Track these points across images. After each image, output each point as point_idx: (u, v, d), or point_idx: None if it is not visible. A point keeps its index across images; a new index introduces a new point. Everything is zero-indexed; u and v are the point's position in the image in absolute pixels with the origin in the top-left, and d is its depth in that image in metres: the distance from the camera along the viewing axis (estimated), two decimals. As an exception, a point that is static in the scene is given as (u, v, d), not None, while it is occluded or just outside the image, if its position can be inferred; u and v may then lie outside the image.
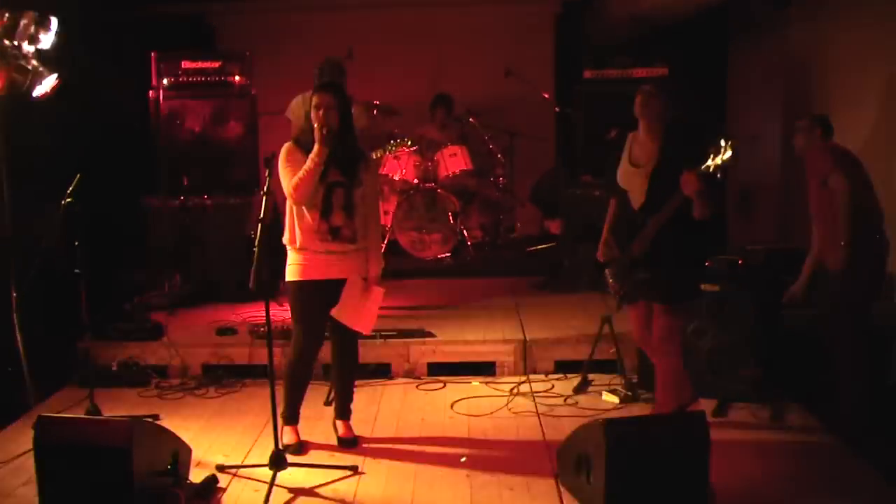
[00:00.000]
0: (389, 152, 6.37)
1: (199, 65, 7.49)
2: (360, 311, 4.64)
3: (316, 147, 4.41)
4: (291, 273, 4.56)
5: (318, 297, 4.55)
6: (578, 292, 7.29)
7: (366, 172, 4.65)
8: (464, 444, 4.80)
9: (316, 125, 4.42)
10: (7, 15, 5.22)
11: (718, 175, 4.23)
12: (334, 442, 4.81)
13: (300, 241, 4.51)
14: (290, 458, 4.34)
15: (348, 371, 4.89)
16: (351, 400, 4.90)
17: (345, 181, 4.51)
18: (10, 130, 5.59)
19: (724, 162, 4.16)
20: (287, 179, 4.46)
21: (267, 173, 4.29)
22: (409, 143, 6.40)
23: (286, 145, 4.57)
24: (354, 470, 4.44)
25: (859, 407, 4.93)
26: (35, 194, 6.14)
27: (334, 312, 4.58)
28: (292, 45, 9.16)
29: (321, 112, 4.43)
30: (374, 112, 8.26)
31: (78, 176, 5.22)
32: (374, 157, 6.23)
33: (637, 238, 4.57)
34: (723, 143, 4.16)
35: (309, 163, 4.41)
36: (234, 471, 4.44)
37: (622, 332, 5.64)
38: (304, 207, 4.48)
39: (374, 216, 4.76)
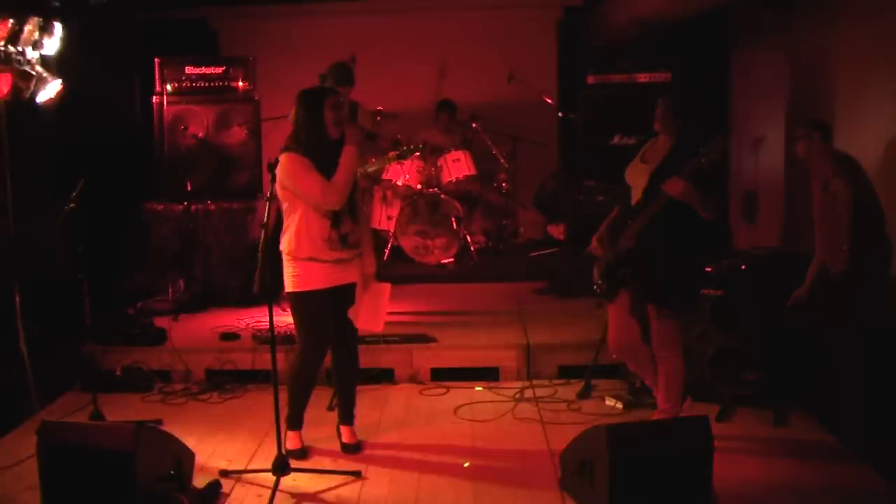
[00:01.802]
0: (403, 159, 6.35)
1: (203, 70, 7.51)
2: (374, 311, 4.67)
3: (350, 148, 4.45)
4: (297, 283, 4.50)
5: (325, 305, 4.54)
6: (581, 297, 7.28)
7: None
8: (467, 450, 4.80)
9: (350, 130, 4.46)
10: (11, 21, 5.24)
11: (708, 170, 4.31)
12: (338, 447, 4.81)
13: (308, 252, 4.46)
14: (293, 463, 4.34)
15: (350, 377, 4.89)
16: (353, 405, 4.90)
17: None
18: (14, 135, 5.61)
19: (711, 157, 4.25)
20: (317, 186, 4.37)
21: (270, 178, 4.27)
22: (421, 146, 6.40)
23: (291, 156, 4.41)
24: (358, 475, 4.44)
25: (862, 410, 4.93)
26: (38, 199, 6.16)
27: (351, 314, 4.61)
28: (295, 51, 9.19)
29: (343, 112, 4.49)
30: (378, 118, 8.26)
31: (81, 181, 5.23)
32: (388, 160, 6.25)
33: (624, 233, 4.61)
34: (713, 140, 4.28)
35: (348, 166, 4.42)
36: (237, 476, 4.44)
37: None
38: (312, 217, 4.44)
39: (364, 215, 4.78)
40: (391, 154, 6.18)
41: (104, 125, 7.57)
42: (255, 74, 7.62)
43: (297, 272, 4.51)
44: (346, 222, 4.50)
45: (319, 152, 4.44)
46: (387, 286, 4.74)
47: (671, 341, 4.63)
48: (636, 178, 4.69)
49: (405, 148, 6.25)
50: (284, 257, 4.54)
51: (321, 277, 4.50)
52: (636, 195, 4.65)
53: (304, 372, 4.67)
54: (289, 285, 4.54)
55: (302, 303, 4.56)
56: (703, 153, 4.30)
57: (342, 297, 4.58)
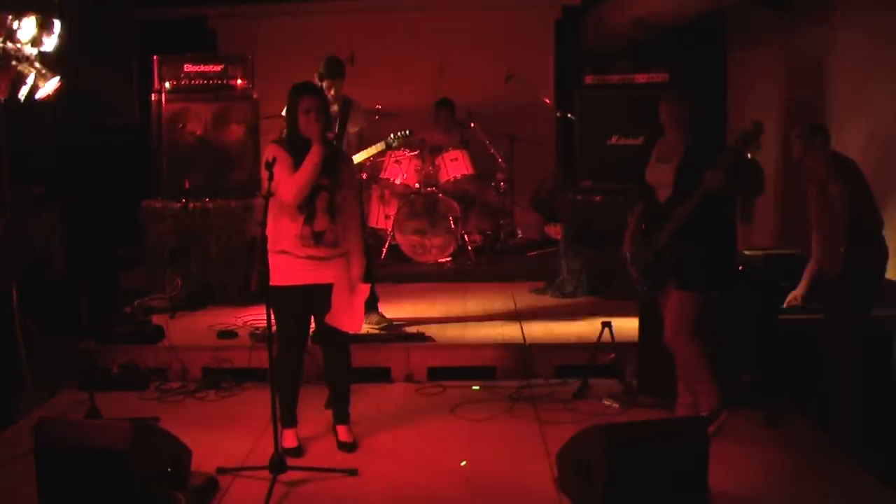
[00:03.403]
0: (391, 147, 6.37)
1: (201, 68, 7.50)
2: (349, 312, 4.64)
3: (315, 147, 4.41)
4: (272, 277, 4.47)
5: (297, 301, 4.54)
6: (579, 297, 7.31)
7: (345, 173, 4.66)
8: (464, 449, 4.80)
9: (312, 127, 4.42)
10: (10, 17, 5.23)
11: (749, 154, 4.44)
12: (334, 445, 4.81)
13: (281, 245, 4.49)
14: (289, 461, 4.34)
15: (342, 376, 4.89)
16: (348, 404, 4.90)
17: (328, 184, 4.51)
18: (11, 132, 5.60)
19: (750, 139, 4.38)
20: (278, 180, 4.38)
21: (268, 176, 4.29)
22: (408, 132, 6.41)
23: (271, 145, 4.55)
24: (354, 474, 4.44)
25: (858, 412, 4.94)
26: (36, 197, 6.16)
27: (328, 319, 4.58)
28: (294, 49, 9.18)
29: (313, 115, 4.44)
30: (377, 117, 8.26)
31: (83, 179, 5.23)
32: (376, 151, 6.28)
33: (663, 229, 4.69)
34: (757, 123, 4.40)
35: (308, 164, 4.40)
36: (234, 473, 4.45)
37: (622, 337, 5.65)
38: (286, 211, 4.46)
39: (355, 216, 4.75)
40: (378, 144, 6.21)
41: (102, 123, 7.58)
42: (253, 73, 7.62)
43: (273, 265, 4.50)
44: (321, 220, 4.50)
45: (295, 149, 4.46)
46: (365, 287, 4.74)
47: (682, 330, 4.68)
48: (659, 177, 4.78)
49: (392, 136, 6.28)
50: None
51: (293, 273, 4.50)
52: (664, 192, 4.74)
53: (283, 367, 4.66)
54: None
55: (276, 297, 4.50)
56: (743, 139, 4.40)
57: (319, 295, 4.56)
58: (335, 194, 4.54)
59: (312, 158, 4.41)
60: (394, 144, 6.34)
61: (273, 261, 4.51)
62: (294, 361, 4.72)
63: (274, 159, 4.36)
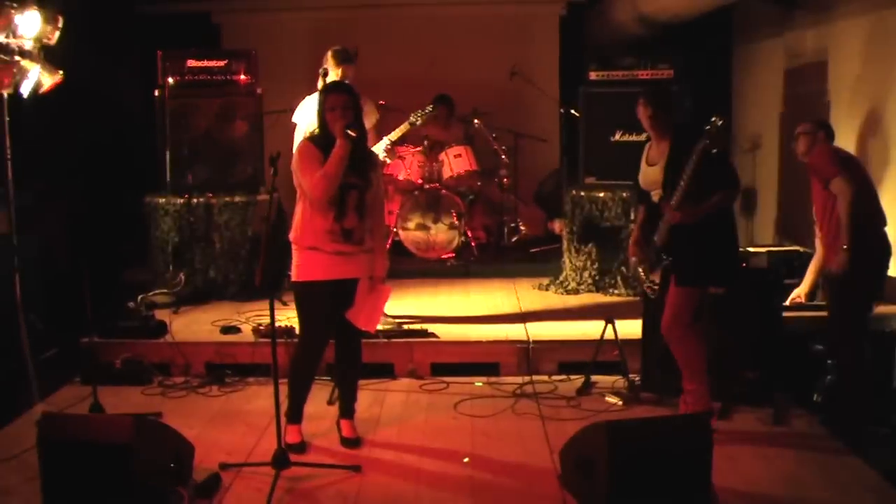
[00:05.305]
0: (415, 125, 6.43)
1: (205, 63, 7.49)
2: (371, 311, 4.66)
3: (339, 141, 4.41)
4: (299, 273, 4.55)
5: (324, 297, 4.55)
6: (582, 293, 7.31)
7: (374, 173, 4.67)
8: (467, 445, 4.80)
9: (336, 124, 4.42)
10: (12, 12, 5.23)
11: (714, 150, 4.51)
12: (337, 442, 4.81)
13: (310, 241, 4.51)
14: (293, 457, 4.35)
15: (352, 371, 4.90)
16: (355, 399, 4.90)
17: (358, 183, 4.52)
18: (15, 127, 5.61)
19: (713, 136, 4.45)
20: (307, 177, 4.44)
21: (272, 172, 4.29)
22: (430, 108, 6.51)
23: (302, 144, 4.59)
24: (357, 470, 4.44)
25: (862, 409, 4.93)
26: (40, 192, 6.16)
27: (349, 315, 4.59)
28: (297, 44, 9.19)
29: (337, 112, 4.44)
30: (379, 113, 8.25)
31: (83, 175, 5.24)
32: (404, 131, 6.37)
33: (657, 231, 4.79)
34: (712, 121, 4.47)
35: (333, 158, 4.40)
36: (237, 469, 4.45)
37: (625, 334, 5.64)
38: (316, 207, 4.47)
39: (380, 216, 4.78)
40: (403, 125, 6.28)
41: (106, 118, 7.58)
42: (257, 68, 7.60)
43: (300, 261, 4.55)
44: (350, 217, 4.51)
45: (325, 146, 4.46)
46: (388, 289, 4.76)
47: (680, 321, 4.73)
48: (649, 180, 4.86)
49: (414, 114, 6.34)
50: (292, 245, 4.60)
51: (322, 268, 4.51)
52: (656, 194, 4.82)
53: (304, 363, 4.69)
54: (293, 274, 4.59)
55: (302, 293, 4.59)
56: (705, 136, 4.46)
57: (344, 291, 4.58)
58: (365, 193, 4.56)
59: (337, 153, 4.41)
60: (417, 123, 6.41)
61: (301, 257, 4.54)
62: (316, 358, 4.73)
63: (278, 154, 4.36)
